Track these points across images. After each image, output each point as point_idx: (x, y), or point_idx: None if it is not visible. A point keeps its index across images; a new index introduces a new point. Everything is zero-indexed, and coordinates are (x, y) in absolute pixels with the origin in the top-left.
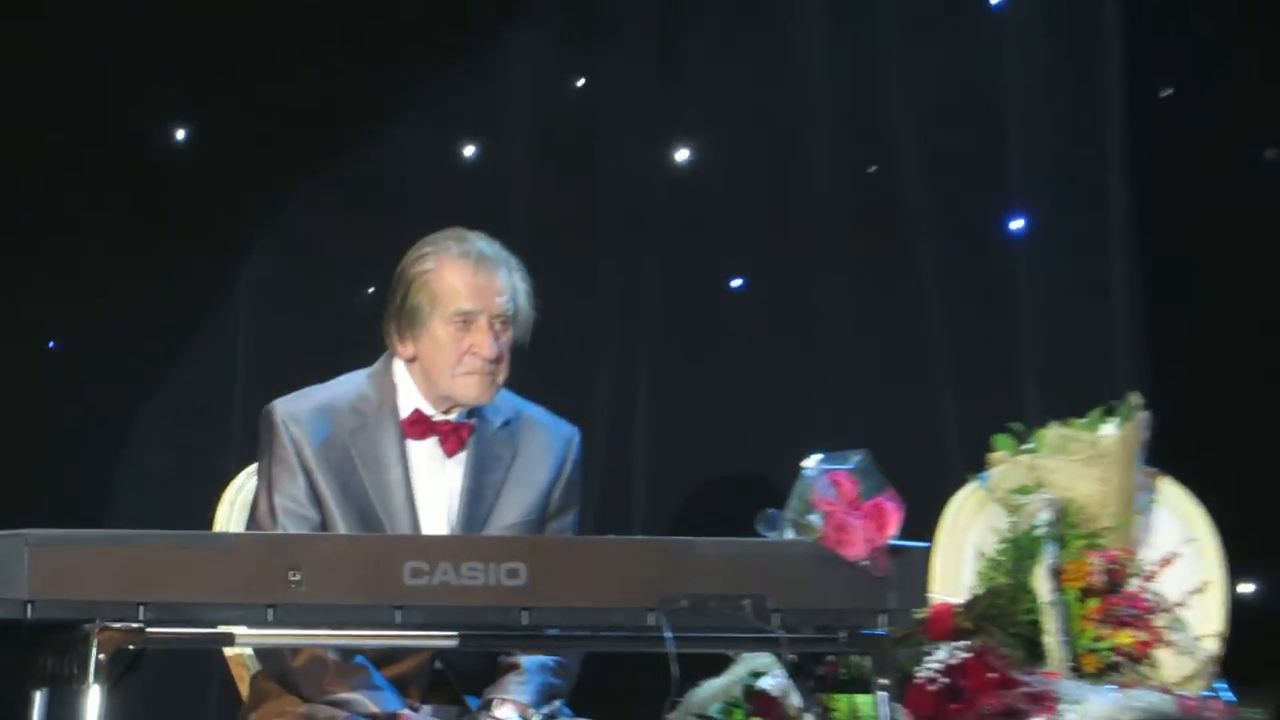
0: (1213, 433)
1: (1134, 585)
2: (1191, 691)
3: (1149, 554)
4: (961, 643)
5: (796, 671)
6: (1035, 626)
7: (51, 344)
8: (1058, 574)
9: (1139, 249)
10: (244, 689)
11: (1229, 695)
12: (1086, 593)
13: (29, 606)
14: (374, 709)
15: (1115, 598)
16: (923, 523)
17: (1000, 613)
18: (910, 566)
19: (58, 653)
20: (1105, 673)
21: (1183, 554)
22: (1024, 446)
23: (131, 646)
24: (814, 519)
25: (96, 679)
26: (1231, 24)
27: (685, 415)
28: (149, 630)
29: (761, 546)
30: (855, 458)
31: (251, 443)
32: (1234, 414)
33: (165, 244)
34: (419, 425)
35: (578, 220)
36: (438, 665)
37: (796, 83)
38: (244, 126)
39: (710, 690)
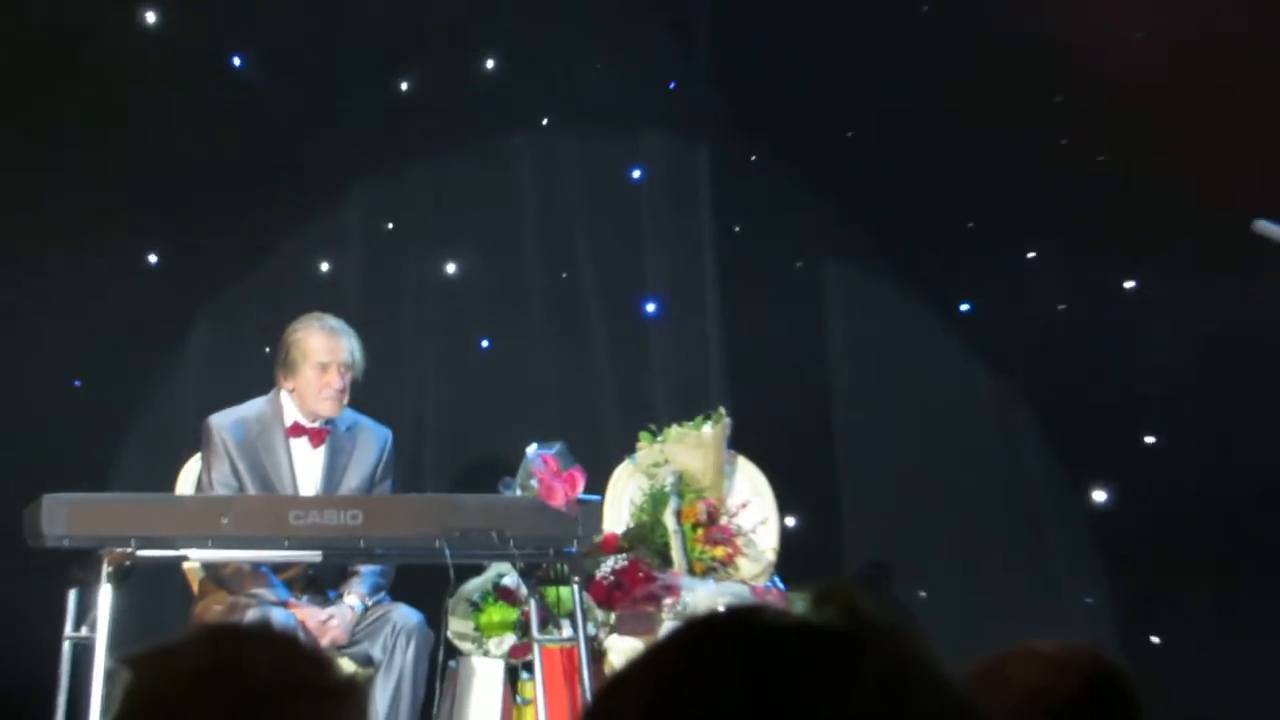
0: (766, 430)
1: (724, 520)
2: (759, 584)
3: (732, 501)
4: (622, 555)
5: (524, 573)
6: (666, 546)
7: (77, 383)
8: (678, 514)
9: (725, 321)
10: (195, 588)
11: (781, 585)
12: (695, 525)
13: (65, 539)
14: (272, 598)
15: (712, 528)
16: (598, 485)
17: (644, 538)
18: (591, 511)
19: (83, 567)
20: (707, 573)
21: (751, 501)
22: (657, 439)
23: (126, 563)
24: (533, 482)
25: (108, 581)
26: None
27: (453, 421)
28: (137, 554)
29: (502, 499)
30: (556, 446)
31: (197, 442)
32: (778, 420)
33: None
34: (296, 429)
35: (386, 316)
36: (310, 572)
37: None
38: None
39: (473, 585)
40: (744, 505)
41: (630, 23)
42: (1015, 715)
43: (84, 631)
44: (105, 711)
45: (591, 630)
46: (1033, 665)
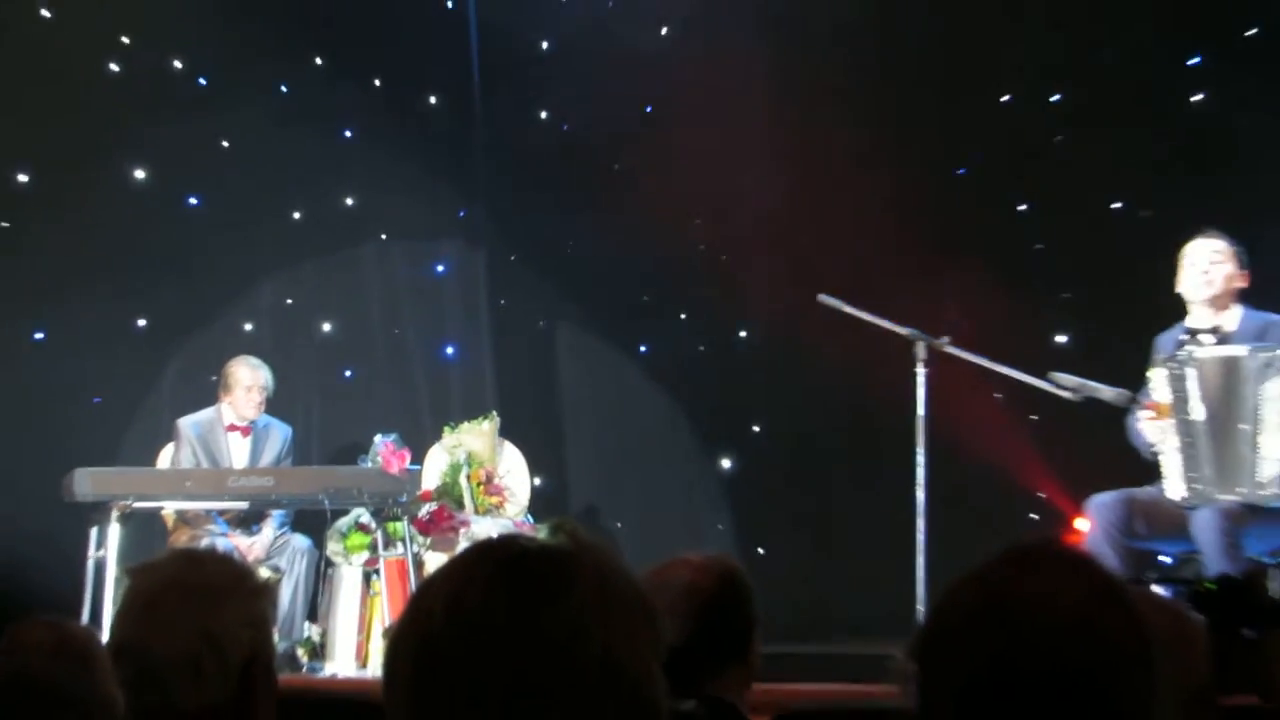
0: (522, 426)
1: (496, 481)
2: (519, 519)
3: (501, 469)
4: (433, 503)
5: (374, 514)
6: (460, 497)
7: (97, 399)
8: (468, 477)
9: (495, 360)
10: (169, 526)
11: (532, 520)
12: (478, 484)
13: (88, 496)
14: (217, 531)
15: (489, 485)
16: (419, 459)
17: (447, 492)
18: (414, 476)
19: (99, 514)
20: (486, 513)
21: (512, 469)
22: (454, 431)
23: (127, 511)
24: (378, 459)
25: (115, 522)
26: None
27: (328, 422)
28: (134, 505)
29: (360, 470)
30: (393, 435)
31: (170, 436)
32: (529, 419)
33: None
34: (232, 427)
35: (286, 356)
36: (241, 515)
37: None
38: None
39: (342, 522)
40: (508, 471)
41: (434, 175)
42: (674, 603)
43: (100, 553)
44: (115, 603)
45: (415, 549)
46: (685, 569)
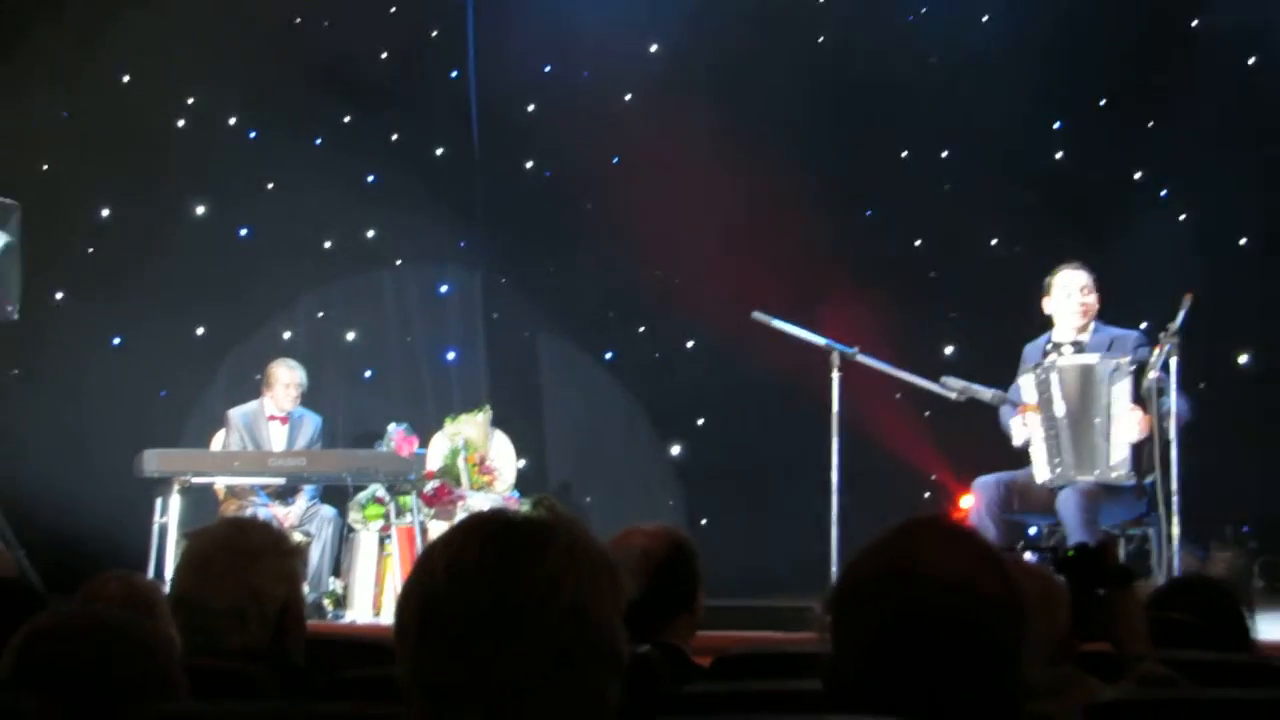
0: (511, 417)
1: (488, 463)
2: (507, 495)
3: (492, 452)
4: (436, 480)
5: (388, 489)
6: (459, 476)
7: (163, 393)
8: (465, 459)
9: (489, 362)
10: (221, 498)
11: (518, 495)
12: (473, 465)
13: (155, 472)
14: (259, 502)
15: (482, 466)
16: (424, 444)
17: (448, 472)
18: (421, 459)
19: (164, 486)
20: (480, 490)
21: (502, 453)
22: (454, 421)
23: (186, 485)
24: (392, 443)
25: (177, 494)
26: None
27: (351, 412)
28: (192, 480)
29: (377, 453)
30: (404, 424)
31: (223, 423)
32: (516, 412)
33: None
34: (272, 417)
35: (319, 361)
36: (279, 489)
37: None
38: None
39: (362, 495)
40: (498, 455)
41: (440, 213)
42: (632, 564)
43: (163, 520)
44: (175, 561)
45: (421, 519)
46: (640, 536)
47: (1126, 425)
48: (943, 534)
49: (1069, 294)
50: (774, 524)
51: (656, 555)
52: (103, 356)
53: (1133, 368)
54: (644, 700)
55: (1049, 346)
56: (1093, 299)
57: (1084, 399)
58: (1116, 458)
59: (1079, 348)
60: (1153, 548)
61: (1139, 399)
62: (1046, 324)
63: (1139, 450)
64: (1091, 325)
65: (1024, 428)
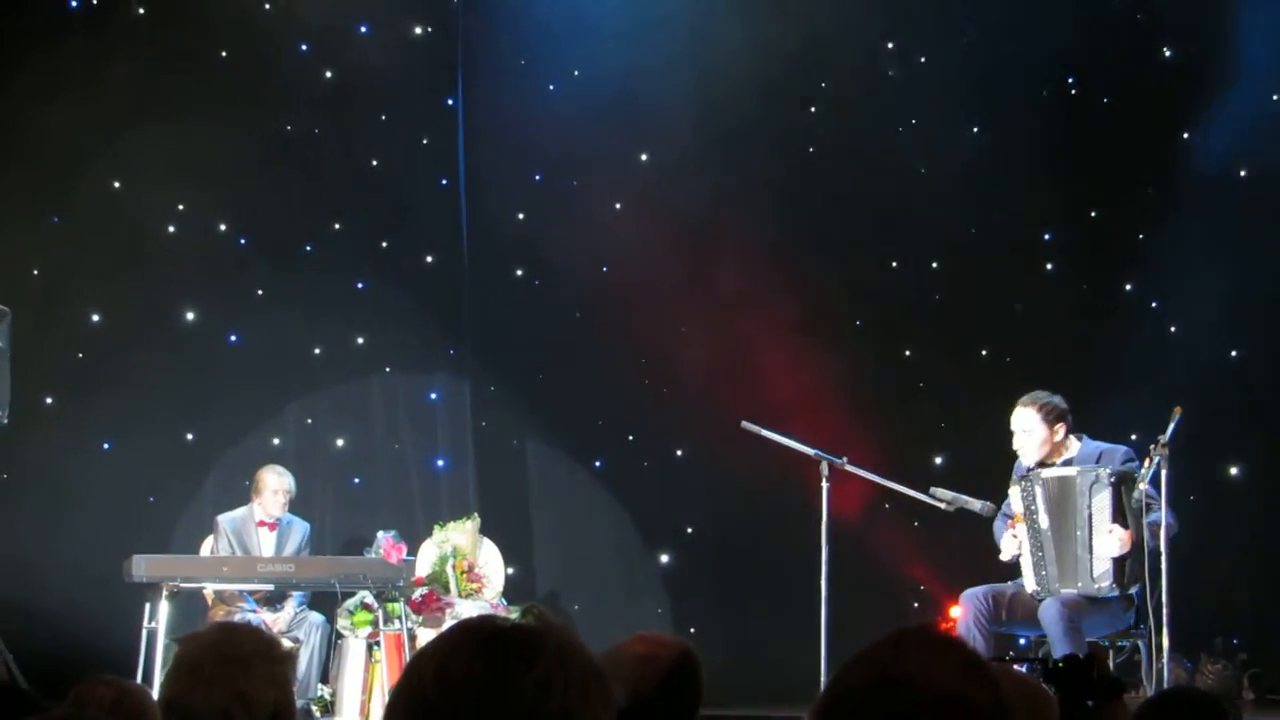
0: (499, 525)
1: (476, 570)
2: (495, 602)
3: (481, 560)
4: (425, 587)
5: (376, 596)
6: (447, 583)
7: (151, 499)
8: (453, 567)
9: (478, 471)
10: (210, 603)
11: (506, 603)
12: (462, 573)
13: (144, 578)
14: (248, 608)
15: (470, 574)
16: (413, 551)
17: (436, 579)
18: (409, 566)
19: (152, 591)
20: (468, 597)
21: (490, 561)
22: (443, 529)
23: (175, 590)
24: (380, 550)
25: (165, 599)
26: None
27: (340, 520)
28: (180, 585)
29: (366, 559)
30: (392, 532)
31: (211, 529)
32: (505, 520)
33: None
34: (261, 523)
35: (307, 469)
36: (268, 595)
37: None
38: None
39: (350, 602)
40: (486, 562)
41: (430, 321)
42: (632, 675)
43: (152, 624)
44: (164, 666)
45: (409, 626)
46: (643, 645)
47: (1106, 540)
48: (931, 644)
49: (1014, 434)
50: (762, 633)
51: (660, 663)
52: (92, 461)
53: (1112, 479)
54: None
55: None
56: (1038, 439)
57: (1064, 510)
58: (1098, 570)
59: (1067, 462)
60: (1142, 659)
61: (1120, 512)
62: None
63: (1121, 563)
64: (1075, 444)
65: (1014, 539)
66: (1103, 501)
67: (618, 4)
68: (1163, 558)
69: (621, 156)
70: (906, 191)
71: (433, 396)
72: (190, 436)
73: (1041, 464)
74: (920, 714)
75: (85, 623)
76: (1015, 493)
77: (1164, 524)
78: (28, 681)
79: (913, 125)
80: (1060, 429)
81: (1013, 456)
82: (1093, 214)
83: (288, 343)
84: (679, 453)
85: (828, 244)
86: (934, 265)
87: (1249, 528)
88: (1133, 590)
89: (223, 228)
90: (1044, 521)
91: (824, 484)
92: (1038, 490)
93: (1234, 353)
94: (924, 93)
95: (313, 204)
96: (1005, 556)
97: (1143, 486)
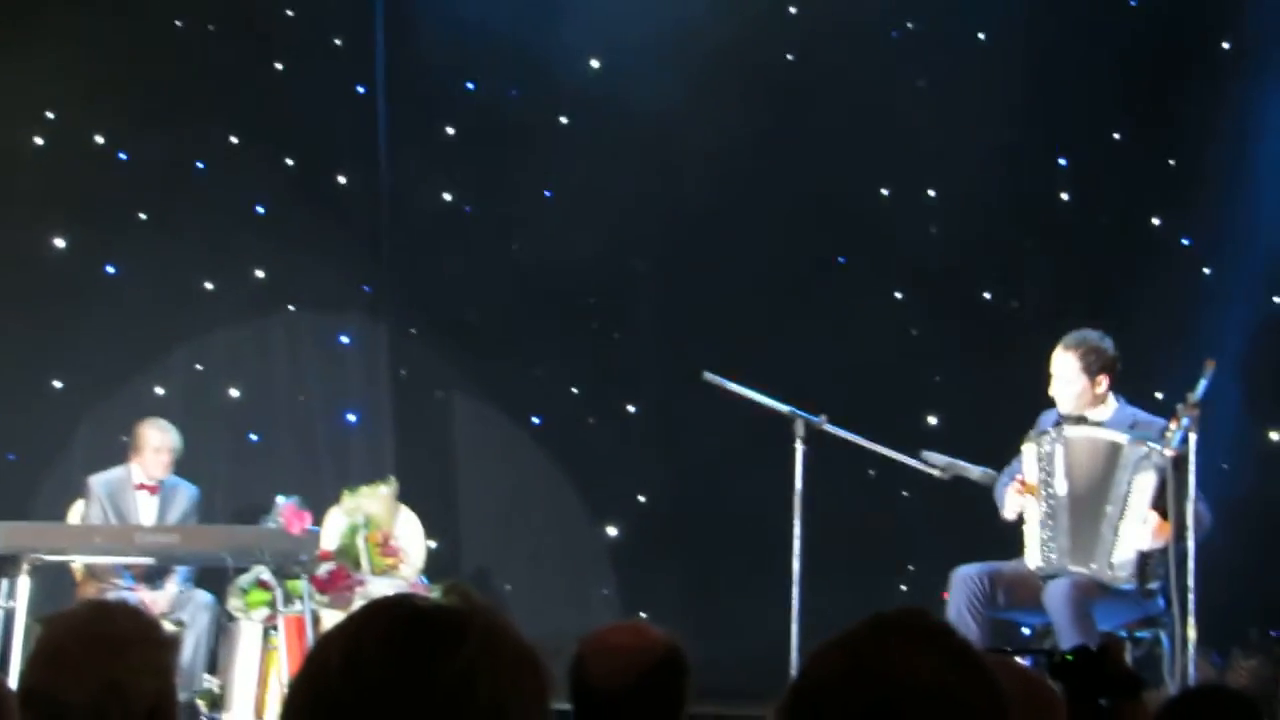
0: (418, 491)
1: (392, 543)
2: (413, 580)
3: (397, 531)
4: (332, 563)
5: (275, 573)
6: (358, 557)
7: (11, 457)
8: (366, 539)
9: (395, 428)
10: (78, 579)
11: (426, 581)
12: (375, 545)
13: (4, 548)
14: (123, 585)
15: (385, 547)
16: (318, 521)
17: (345, 552)
18: (314, 537)
19: (11, 565)
20: (382, 574)
21: (407, 531)
22: (353, 495)
23: (38, 563)
24: (280, 519)
25: (26, 574)
26: None
27: (234, 482)
28: (44, 557)
29: (262, 529)
30: (294, 498)
31: (81, 492)
32: (425, 485)
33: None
34: (141, 485)
35: (195, 422)
36: (147, 570)
37: None
38: None
39: (243, 579)
40: (404, 534)
41: (341, 251)
42: (621, 668)
43: (10, 604)
44: (24, 652)
45: (313, 607)
46: (631, 635)
47: (1138, 529)
48: (915, 630)
49: (1054, 378)
50: (725, 619)
51: (651, 655)
52: None
53: (1165, 461)
54: None
55: (1059, 418)
56: (1078, 388)
57: (1097, 480)
58: (1120, 556)
59: (1098, 424)
60: (1164, 653)
61: (1161, 499)
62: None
63: (1146, 556)
64: (1111, 403)
65: (1019, 499)
66: (1147, 482)
67: None
68: (1189, 536)
69: (568, 62)
70: (900, 107)
71: (344, 340)
72: (58, 384)
73: (1071, 419)
74: (901, 710)
75: None
76: (1030, 450)
77: (1192, 501)
78: None
79: (908, 29)
80: (1103, 381)
81: (1016, 415)
82: (1115, 135)
83: (174, 276)
84: (630, 408)
85: (806, 167)
86: (930, 193)
87: None
88: (1152, 584)
89: (99, 140)
90: (1062, 486)
91: (798, 446)
92: (1059, 450)
93: (1276, 299)
94: None
95: (205, 114)
96: (1008, 514)
97: (1168, 452)
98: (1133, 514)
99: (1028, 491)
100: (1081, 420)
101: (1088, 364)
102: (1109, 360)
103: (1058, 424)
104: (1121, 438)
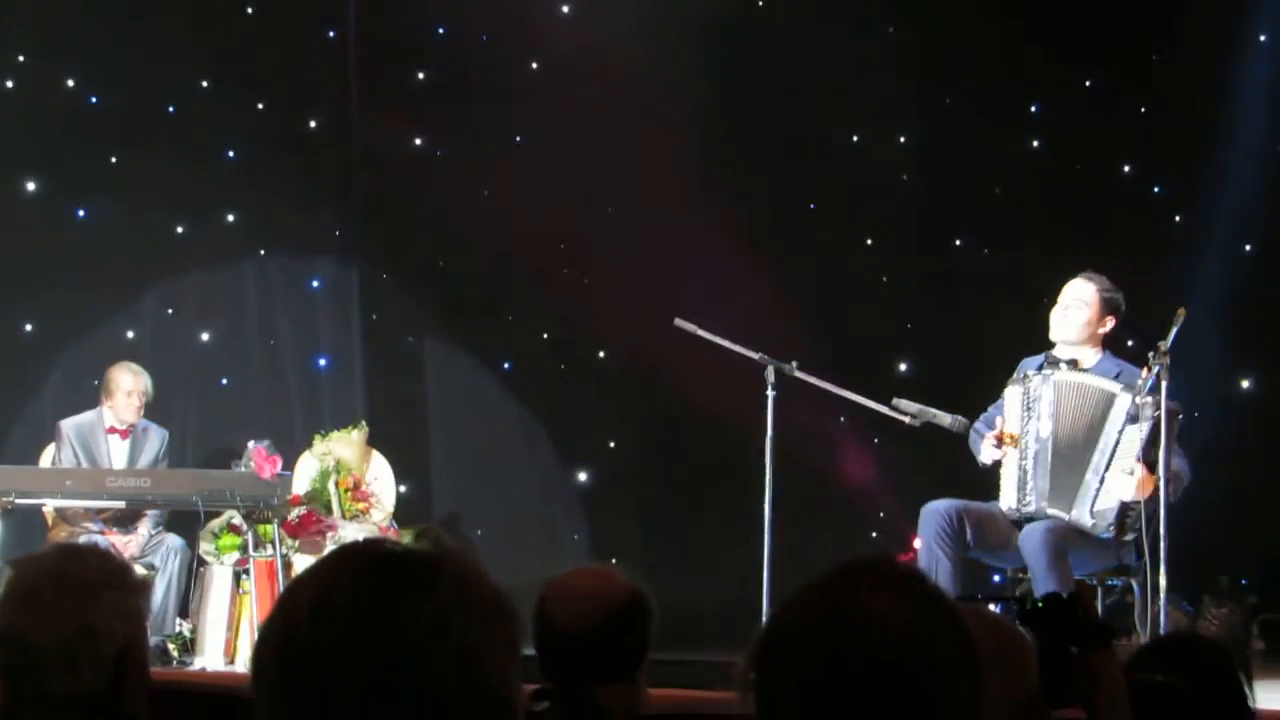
0: (390, 436)
1: (364, 488)
2: (384, 525)
3: (369, 476)
4: (303, 507)
5: (245, 517)
6: (329, 502)
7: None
8: (337, 483)
9: (365, 372)
10: (49, 523)
11: (397, 525)
12: (346, 490)
13: None
14: (94, 529)
15: (356, 492)
16: (289, 465)
17: (316, 497)
18: (285, 481)
19: None
20: (353, 518)
21: (379, 477)
22: (325, 439)
23: (9, 507)
24: (251, 463)
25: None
26: None
27: (204, 426)
28: (15, 501)
29: (233, 473)
30: (265, 441)
31: (53, 436)
32: (396, 430)
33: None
34: (112, 430)
35: (166, 364)
36: (118, 514)
37: None
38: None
39: (215, 523)
40: (375, 479)
41: (313, 195)
42: (584, 612)
43: None
44: None
45: (283, 551)
46: (597, 580)
47: (1123, 480)
48: (887, 577)
49: (1060, 302)
50: (696, 565)
51: (615, 598)
52: None
53: (1157, 414)
54: None
55: (1044, 361)
56: (1084, 318)
57: (1085, 427)
58: (1103, 505)
59: (1083, 371)
60: (1135, 600)
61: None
62: (1041, 340)
63: (1127, 506)
64: (1097, 351)
65: (996, 448)
66: (1137, 434)
67: None
68: (1160, 482)
69: (540, 6)
70: (869, 52)
71: (314, 284)
72: (29, 327)
73: (1060, 362)
74: (871, 656)
75: None
76: (1014, 392)
77: (1163, 453)
78: None
79: None
80: (1109, 322)
81: (987, 361)
82: (1087, 82)
83: (145, 220)
84: (601, 354)
85: (777, 112)
86: (901, 139)
87: (1262, 449)
88: (1128, 536)
89: (70, 83)
90: (1046, 429)
91: (769, 393)
92: (1047, 392)
93: (1247, 247)
94: None
95: (176, 57)
96: (985, 459)
97: (1139, 399)
98: (1120, 464)
99: (1009, 443)
100: (1072, 364)
101: (1105, 299)
102: (1119, 307)
103: (1042, 368)
104: (1115, 387)
